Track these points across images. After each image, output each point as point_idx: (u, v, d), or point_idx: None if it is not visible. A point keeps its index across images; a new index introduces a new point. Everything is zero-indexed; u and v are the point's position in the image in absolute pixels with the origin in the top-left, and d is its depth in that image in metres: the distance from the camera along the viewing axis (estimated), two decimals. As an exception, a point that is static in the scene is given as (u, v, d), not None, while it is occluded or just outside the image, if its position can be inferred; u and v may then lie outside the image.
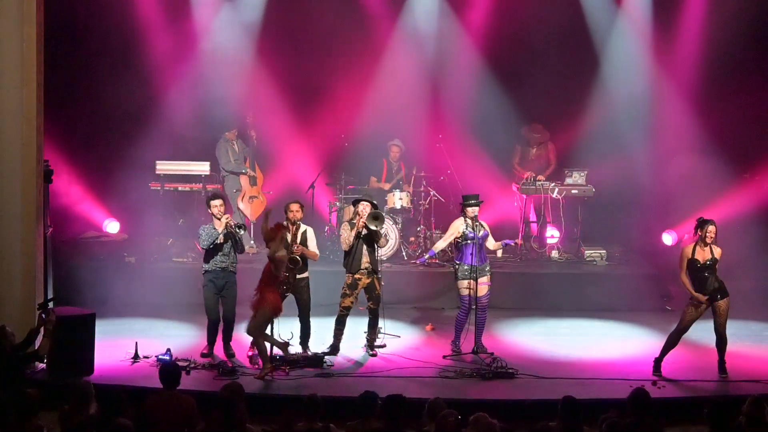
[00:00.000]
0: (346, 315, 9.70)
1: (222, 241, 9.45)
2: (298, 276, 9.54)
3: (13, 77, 8.80)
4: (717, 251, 9.13)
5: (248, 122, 13.08)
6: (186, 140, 13.40)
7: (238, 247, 9.57)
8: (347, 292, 9.65)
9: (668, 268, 12.42)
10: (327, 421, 6.53)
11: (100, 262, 12.24)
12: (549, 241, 13.17)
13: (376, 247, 9.70)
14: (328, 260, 11.69)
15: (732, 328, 9.29)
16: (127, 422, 6.13)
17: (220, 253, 9.50)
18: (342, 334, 9.72)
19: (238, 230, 9.47)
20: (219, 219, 9.46)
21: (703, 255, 9.09)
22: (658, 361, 9.26)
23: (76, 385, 6.72)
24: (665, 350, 9.29)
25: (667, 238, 13.07)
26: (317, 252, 9.68)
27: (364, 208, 9.63)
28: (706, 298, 9.05)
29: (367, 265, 9.61)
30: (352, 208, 10.58)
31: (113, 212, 13.06)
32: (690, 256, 9.10)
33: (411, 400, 7.52)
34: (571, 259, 13.00)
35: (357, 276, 9.61)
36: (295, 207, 9.58)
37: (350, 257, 9.62)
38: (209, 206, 9.57)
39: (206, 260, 9.56)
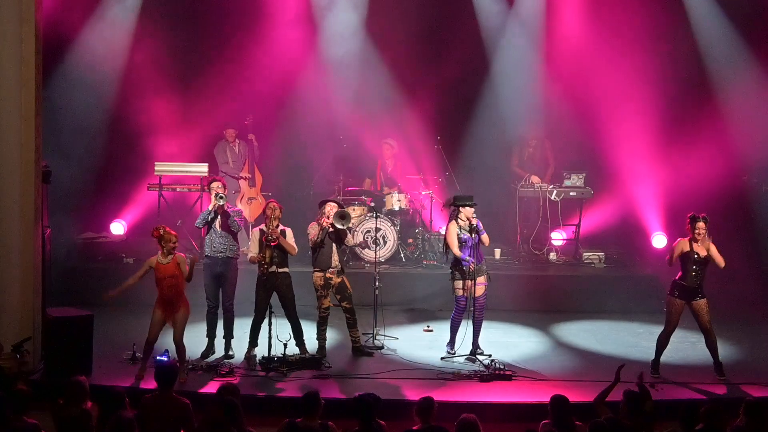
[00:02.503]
0: (328, 315, 9.76)
1: (212, 217, 9.63)
2: (279, 270, 9.60)
3: (12, 77, 8.79)
4: (712, 248, 9.17)
5: (247, 125, 13.04)
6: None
7: (231, 224, 9.66)
8: (322, 293, 9.72)
9: (666, 270, 12.45)
10: (325, 420, 6.54)
11: (98, 263, 12.24)
12: (555, 243, 13.15)
13: (342, 247, 9.85)
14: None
15: (732, 329, 9.30)
16: (128, 415, 6.13)
17: (217, 238, 9.68)
18: (326, 333, 9.76)
19: (219, 199, 9.57)
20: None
21: (700, 250, 9.15)
22: (655, 363, 9.30)
23: (69, 381, 6.73)
24: (658, 351, 9.35)
25: (658, 241, 13.08)
26: (295, 246, 9.71)
27: (331, 209, 9.69)
28: (672, 303, 9.20)
29: (336, 263, 9.68)
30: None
31: (111, 213, 13.06)
32: (687, 250, 9.15)
33: (409, 402, 7.55)
34: (569, 261, 13.00)
35: (328, 275, 9.68)
36: (272, 205, 9.67)
37: (320, 255, 9.69)
38: (209, 189, 9.81)
39: (206, 246, 9.81)
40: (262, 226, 9.71)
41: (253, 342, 9.60)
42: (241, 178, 12.93)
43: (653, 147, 13.25)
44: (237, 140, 13.02)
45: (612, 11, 13.34)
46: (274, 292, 9.64)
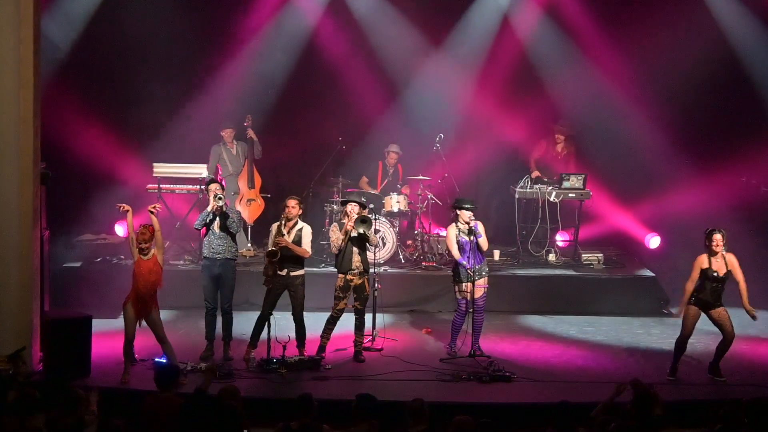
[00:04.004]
0: (339, 317, 9.72)
1: (211, 218, 9.60)
2: (292, 273, 9.56)
3: (10, 79, 8.78)
4: (730, 260, 9.05)
5: (247, 125, 12.97)
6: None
7: (230, 225, 9.63)
8: (340, 295, 9.66)
9: (666, 272, 12.45)
10: (322, 422, 6.52)
11: (97, 264, 12.22)
12: (558, 243, 13.13)
13: (367, 247, 9.73)
14: (325, 263, 11.88)
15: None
16: (118, 422, 6.12)
17: (215, 239, 9.64)
18: (331, 333, 9.74)
19: (218, 200, 9.52)
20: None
21: (718, 266, 9.02)
22: (673, 367, 9.29)
23: (65, 390, 6.71)
24: (676, 356, 9.31)
25: (652, 242, 13.04)
26: (308, 250, 9.62)
27: (352, 209, 9.63)
28: (688, 309, 9.15)
29: (358, 265, 9.62)
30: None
31: (110, 214, 13.03)
32: (705, 266, 9.04)
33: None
34: (568, 262, 12.98)
35: (348, 277, 9.61)
36: (291, 203, 9.59)
37: (341, 258, 9.63)
38: (207, 190, 9.80)
39: (204, 247, 9.83)
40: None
41: (253, 343, 9.57)
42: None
43: (666, 149, 13.31)
44: (234, 141, 12.98)
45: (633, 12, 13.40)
46: (286, 290, 9.62)
